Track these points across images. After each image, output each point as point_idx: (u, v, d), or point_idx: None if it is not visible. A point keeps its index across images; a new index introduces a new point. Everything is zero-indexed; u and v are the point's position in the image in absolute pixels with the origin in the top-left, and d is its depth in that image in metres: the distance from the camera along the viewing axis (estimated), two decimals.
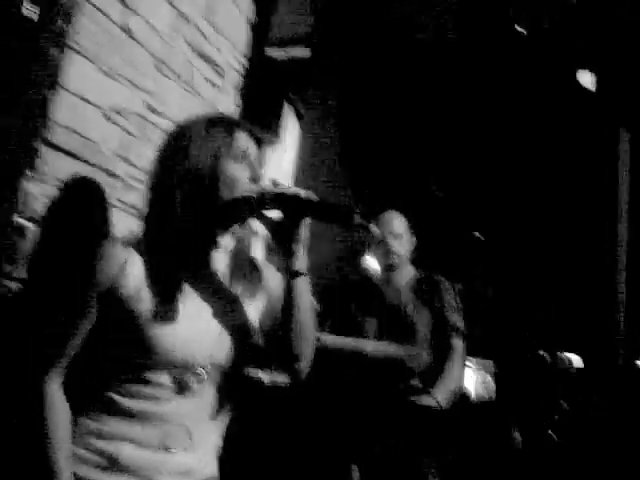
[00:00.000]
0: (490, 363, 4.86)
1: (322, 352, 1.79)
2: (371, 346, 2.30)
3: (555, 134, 4.83)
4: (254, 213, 1.16)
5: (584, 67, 4.26)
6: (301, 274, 1.15)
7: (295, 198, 1.11)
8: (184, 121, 1.22)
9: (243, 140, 1.18)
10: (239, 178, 1.14)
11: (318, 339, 1.81)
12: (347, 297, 2.53)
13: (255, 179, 1.17)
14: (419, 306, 2.38)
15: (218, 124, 1.19)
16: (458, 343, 2.33)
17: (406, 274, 2.49)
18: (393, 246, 2.46)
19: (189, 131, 1.17)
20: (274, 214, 1.16)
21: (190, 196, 1.11)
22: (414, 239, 2.57)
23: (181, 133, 1.18)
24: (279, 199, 1.12)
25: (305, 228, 1.14)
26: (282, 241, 1.15)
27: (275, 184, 1.14)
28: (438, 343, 2.32)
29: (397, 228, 2.49)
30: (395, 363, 2.25)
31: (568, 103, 4.52)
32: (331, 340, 2.31)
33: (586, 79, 4.25)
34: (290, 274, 1.15)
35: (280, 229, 1.15)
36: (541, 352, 5.57)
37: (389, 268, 2.48)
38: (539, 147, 4.93)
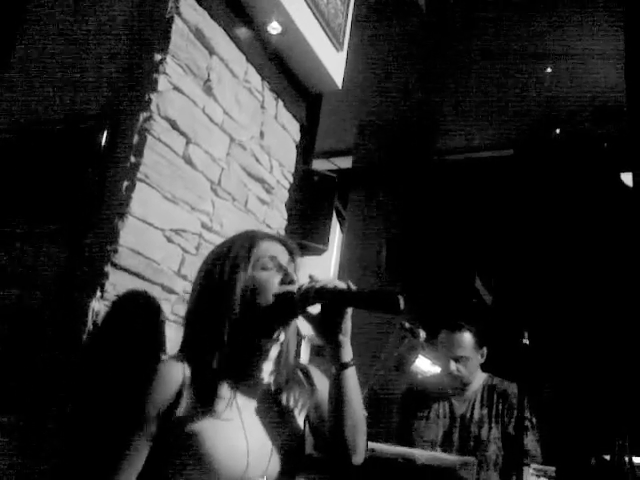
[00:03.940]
0: (551, 470, 4.56)
1: (371, 460, 1.76)
2: (423, 455, 2.23)
3: (601, 235, 4.80)
4: (297, 311, 1.18)
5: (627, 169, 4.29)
6: (349, 365, 1.18)
7: (336, 290, 1.14)
8: (216, 245, 1.33)
9: (265, 249, 1.24)
10: (267, 282, 1.19)
11: (367, 447, 1.78)
12: (411, 406, 2.45)
13: (288, 282, 1.20)
14: (490, 420, 2.27)
15: (238, 240, 1.27)
16: (526, 470, 2.15)
17: (476, 383, 2.41)
18: (454, 371, 2.38)
19: (218, 251, 1.28)
20: (315, 309, 1.18)
21: (223, 309, 1.18)
22: (484, 350, 2.46)
23: (212, 256, 1.29)
24: (320, 293, 1.14)
25: (348, 319, 1.16)
26: (327, 335, 1.18)
27: (313, 280, 1.17)
28: (506, 465, 2.19)
29: (461, 351, 2.39)
30: (447, 473, 2.17)
31: (613, 204, 4.52)
32: (381, 448, 2.26)
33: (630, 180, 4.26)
34: (338, 366, 1.17)
35: (324, 323, 1.17)
36: (606, 457, 5.20)
37: (457, 389, 2.41)
38: (586, 250, 4.89)
